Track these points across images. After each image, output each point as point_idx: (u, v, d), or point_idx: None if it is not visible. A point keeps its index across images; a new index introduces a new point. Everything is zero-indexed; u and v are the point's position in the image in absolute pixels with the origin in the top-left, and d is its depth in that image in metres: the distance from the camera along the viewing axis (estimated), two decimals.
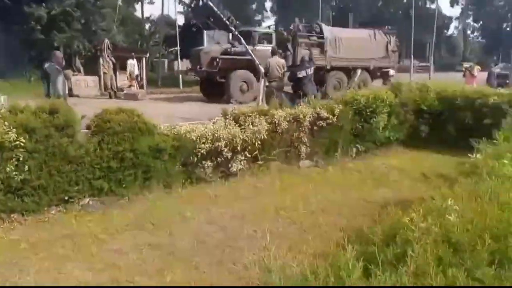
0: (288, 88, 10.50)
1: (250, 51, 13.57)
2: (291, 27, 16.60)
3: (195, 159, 5.82)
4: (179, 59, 23.98)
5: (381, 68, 17.34)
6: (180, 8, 32.11)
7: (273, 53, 10.17)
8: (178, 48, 23.78)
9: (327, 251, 3.07)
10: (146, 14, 32.03)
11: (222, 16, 13.82)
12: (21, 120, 4.51)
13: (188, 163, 5.82)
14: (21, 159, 4.46)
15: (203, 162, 5.87)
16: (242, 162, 6.13)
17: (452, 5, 66.19)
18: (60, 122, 4.75)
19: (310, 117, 6.79)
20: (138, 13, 29.96)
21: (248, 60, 13.66)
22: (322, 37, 15.79)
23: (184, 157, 5.74)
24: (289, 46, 15.39)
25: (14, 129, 4.37)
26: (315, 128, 6.93)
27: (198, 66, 14.18)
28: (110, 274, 3.44)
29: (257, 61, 12.47)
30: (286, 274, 1.96)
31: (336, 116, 6.97)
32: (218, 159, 5.97)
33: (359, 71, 15.52)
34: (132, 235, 4.19)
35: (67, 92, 7.03)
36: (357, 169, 6.64)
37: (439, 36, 51.98)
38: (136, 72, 16.44)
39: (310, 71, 9.16)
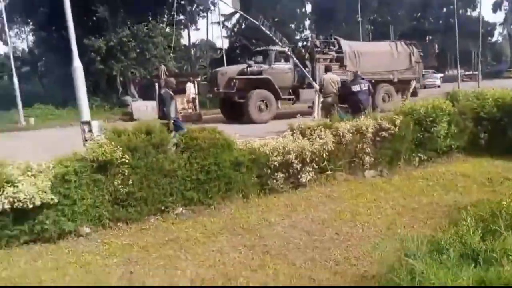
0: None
1: (306, 72, 13.83)
2: (308, 43, 16.37)
3: (269, 171, 6.28)
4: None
5: (405, 80, 16.90)
6: (224, 32, 33.29)
7: (328, 69, 10.58)
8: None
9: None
10: (192, 40, 33.70)
11: (274, 38, 14.28)
12: (124, 141, 5.15)
13: (262, 175, 6.28)
14: (126, 174, 5.09)
15: (276, 173, 6.31)
16: (310, 173, 6.53)
17: (494, 11, 64.32)
18: (156, 141, 5.37)
19: (372, 128, 7.11)
20: (184, 40, 31.50)
21: (266, 79, 13.79)
22: (341, 52, 15.64)
23: (259, 169, 6.21)
24: (307, 62, 15.20)
25: (120, 148, 5.01)
26: (377, 138, 7.23)
27: (216, 88, 14.13)
28: (219, 270, 3.92)
29: (311, 79, 12.81)
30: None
31: (397, 127, 7.26)
32: (290, 170, 6.41)
33: (413, 83, 15.44)
34: (227, 238, 4.68)
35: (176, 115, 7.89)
36: (422, 176, 6.86)
37: (483, 43, 50.65)
38: (193, 95, 17.22)
39: (364, 86, 9.48)
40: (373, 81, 15.25)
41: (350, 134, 6.89)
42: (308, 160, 6.44)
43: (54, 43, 23.45)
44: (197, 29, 33.86)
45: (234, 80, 13.70)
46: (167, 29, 24.26)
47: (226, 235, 4.76)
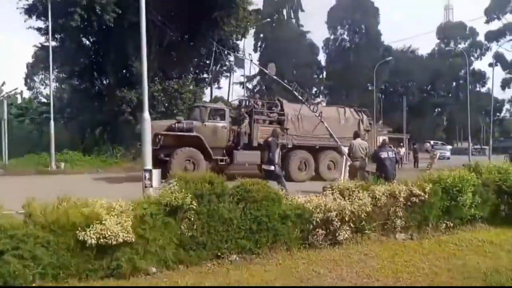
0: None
1: (333, 134, 14.02)
2: (250, 103, 16.18)
3: (311, 226, 6.81)
4: None
5: None
6: (243, 92, 34.87)
7: (356, 135, 11.37)
8: None
9: None
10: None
11: (296, 93, 15.16)
12: (192, 188, 5.77)
13: (305, 230, 6.81)
14: (191, 219, 5.66)
15: (316, 229, 6.84)
16: (347, 232, 7.05)
17: (503, 88, 66.67)
18: (218, 191, 5.98)
19: (404, 193, 7.70)
20: (206, 97, 33.11)
21: (195, 137, 13.27)
22: (283, 114, 15.42)
23: (302, 224, 6.74)
24: (246, 122, 14.94)
25: (189, 195, 5.63)
26: (408, 203, 7.79)
27: (139, 143, 12.97)
28: None
29: (339, 142, 13.51)
30: None
31: (427, 194, 7.84)
32: (329, 227, 6.93)
33: (438, 153, 15.94)
34: (282, 285, 5.14)
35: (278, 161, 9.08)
36: (451, 242, 7.33)
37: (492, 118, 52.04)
38: None
39: (392, 154, 10.19)
40: (317, 147, 15.68)
41: (385, 197, 7.47)
42: (346, 219, 6.98)
43: (86, 91, 24.85)
44: (219, 88, 35.54)
45: (159, 136, 13.11)
46: (191, 87, 25.59)
47: (282, 282, 5.22)
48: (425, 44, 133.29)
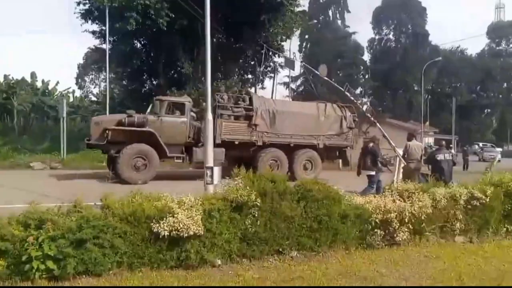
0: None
1: (387, 137, 13.55)
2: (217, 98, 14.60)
3: (369, 227, 6.83)
4: None
5: (335, 147, 15.62)
6: (287, 92, 34.92)
7: (411, 136, 11.20)
8: None
9: None
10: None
11: (349, 94, 14.93)
12: (257, 186, 5.95)
13: (363, 230, 6.84)
14: (255, 215, 5.84)
15: (375, 230, 6.85)
16: (406, 233, 7.01)
17: None
18: (280, 189, 6.13)
19: (465, 196, 7.56)
20: None
21: (148, 132, 12.36)
22: (251, 109, 14.24)
23: (361, 224, 6.78)
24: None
25: (254, 192, 5.81)
26: (469, 206, 7.64)
27: (87, 138, 12.94)
28: None
29: (393, 144, 13.21)
30: None
31: (488, 197, 7.66)
32: (388, 228, 6.92)
33: (498, 156, 15.30)
34: (348, 283, 5.22)
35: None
36: None
37: None
38: None
39: (449, 156, 9.99)
40: (291, 145, 14.41)
41: (445, 200, 7.37)
42: (406, 220, 6.94)
43: (137, 92, 25.77)
44: (263, 88, 35.78)
45: (107, 131, 12.27)
46: (236, 88, 25.92)
47: (346, 280, 5.30)
48: (474, 44, 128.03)
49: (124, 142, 12.45)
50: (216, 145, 12.91)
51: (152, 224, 5.17)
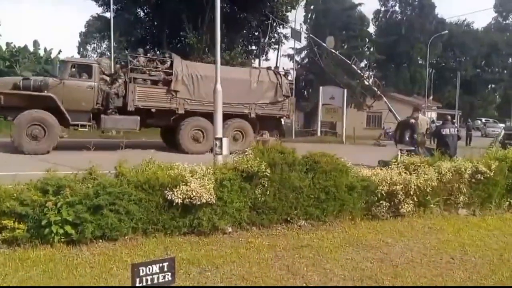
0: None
1: (393, 111, 14.07)
2: (130, 60, 13.76)
3: (375, 198, 6.98)
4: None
5: (268, 117, 14.74)
6: (291, 65, 34.58)
7: (416, 109, 11.23)
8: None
9: None
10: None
11: (355, 67, 14.67)
12: (266, 157, 6.06)
13: (369, 201, 6.99)
14: (265, 185, 5.98)
15: (381, 201, 7.00)
16: (410, 205, 7.16)
17: None
18: (289, 160, 6.24)
19: (470, 170, 7.67)
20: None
21: (48, 97, 11.38)
22: (171, 73, 13.26)
23: (367, 196, 6.92)
24: (120, 82, 12.83)
25: (264, 163, 5.92)
26: (473, 180, 7.77)
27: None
28: (363, 273, 4.64)
29: (398, 118, 13.22)
30: None
31: (492, 171, 7.77)
32: (394, 200, 7.07)
33: (502, 131, 15.21)
34: (355, 251, 5.39)
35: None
36: None
37: None
38: None
39: (454, 130, 10.07)
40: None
41: (450, 174, 7.49)
42: (411, 193, 7.08)
43: None
44: (267, 60, 35.57)
45: (0, 96, 11.35)
46: (239, 59, 25.79)
47: (353, 248, 5.47)
48: (481, 18, 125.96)
49: (22, 108, 11.50)
50: (129, 113, 12.71)
51: (166, 192, 5.30)
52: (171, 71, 13.35)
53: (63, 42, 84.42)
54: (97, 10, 24.54)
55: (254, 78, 14.36)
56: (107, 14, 24.08)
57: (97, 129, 13.08)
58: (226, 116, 12.50)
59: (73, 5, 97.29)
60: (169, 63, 13.75)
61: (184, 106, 13.43)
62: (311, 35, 21.19)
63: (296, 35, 22.38)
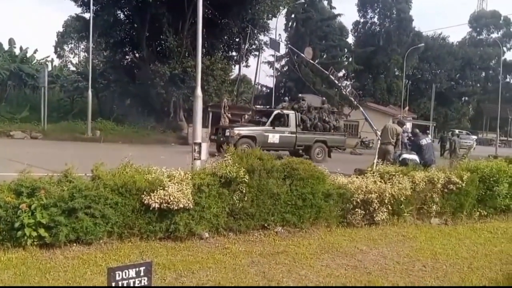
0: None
1: (372, 125, 13.85)
2: None
3: (351, 206, 7.09)
4: None
5: None
6: (271, 72, 34.81)
7: (400, 123, 11.55)
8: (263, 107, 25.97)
9: None
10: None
11: (333, 77, 15.16)
12: (244, 163, 6.09)
13: (345, 209, 7.09)
14: (243, 191, 6.00)
15: (356, 209, 7.11)
16: (384, 213, 7.30)
17: None
18: (268, 167, 6.28)
19: (442, 180, 7.88)
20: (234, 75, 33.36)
21: None
22: None
23: (343, 203, 7.02)
24: None
25: (243, 169, 5.95)
26: (445, 190, 7.98)
27: None
28: (337, 280, 4.70)
29: (374, 128, 13.41)
30: None
31: (464, 182, 8.00)
32: (369, 208, 7.19)
33: (473, 144, 15.88)
34: (330, 257, 5.46)
35: None
36: (486, 229, 7.53)
37: None
38: None
39: (429, 140, 10.36)
40: None
41: (424, 183, 7.67)
42: (386, 201, 7.22)
43: (119, 63, 25.31)
44: (247, 66, 35.65)
45: None
46: (219, 64, 25.79)
47: (328, 255, 5.54)
48: (456, 31, 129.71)
49: None
50: None
51: (143, 196, 5.26)
52: None
53: (40, 42, 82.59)
54: (76, 10, 24.15)
55: None
56: (86, 15, 23.70)
57: None
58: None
59: (51, 5, 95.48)
60: None
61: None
62: (289, 45, 21.36)
63: (274, 45, 22.57)
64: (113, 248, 5.10)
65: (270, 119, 16.29)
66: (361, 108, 14.65)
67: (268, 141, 15.92)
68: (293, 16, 35.64)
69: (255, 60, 36.04)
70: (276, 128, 16.25)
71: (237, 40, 29.61)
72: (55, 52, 59.76)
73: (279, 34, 30.22)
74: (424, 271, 5.28)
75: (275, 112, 16.84)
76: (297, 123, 16.53)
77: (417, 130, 11.43)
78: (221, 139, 15.83)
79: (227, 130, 15.61)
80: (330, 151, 17.24)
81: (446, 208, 8.00)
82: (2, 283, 3.94)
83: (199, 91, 8.36)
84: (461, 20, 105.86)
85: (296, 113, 16.53)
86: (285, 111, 16.60)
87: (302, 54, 16.24)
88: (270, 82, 37.09)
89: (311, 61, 16.81)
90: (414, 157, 10.05)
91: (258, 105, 32.02)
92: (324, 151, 16.94)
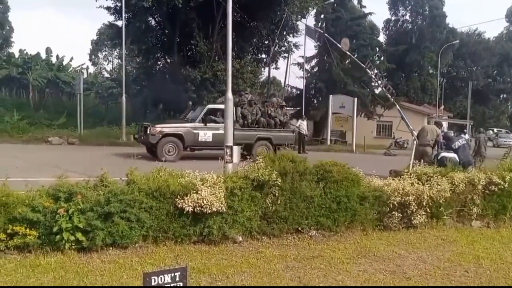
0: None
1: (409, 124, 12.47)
2: None
3: (387, 209, 6.89)
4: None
5: None
6: (301, 73, 34.46)
7: (429, 122, 11.18)
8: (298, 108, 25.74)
9: None
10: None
11: (369, 71, 14.58)
12: (277, 166, 6.02)
13: (381, 212, 6.90)
14: (276, 194, 5.93)
15: (393, 212, 6.91)
16: (423, 216, 7.06)
17: None
18: (300, 169, 6.19)
19: (483, 181, 7.55)
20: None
21: None
22: None
23: (379, 206, 6.84)
24: None
25: (275, 172, 5.88)
26: (487, 192, 7.65)
27: None
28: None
29: (411, 127, 12.76)
30: None
31: (507, 183, 7.64)
32: (406, 211, 6.97)
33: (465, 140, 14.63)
34: (367, 262, 5.30)
35: None
36: None
37: None
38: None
39: (463, 141, 10.05)
40: None
41: (464, 185, 7.38)
42: (424, 203, 6.98)
43: (151, 69, 25.79)
44: (277, 68, 35.57)
45: None
46: (249, 67, 25.85)
47: (365, 260, 5.39)
48: (493, 27, 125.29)
49: None
50: None
51: (176, 199, 5.29)
52: None
53: (75, 50, 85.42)
54: (109, 18, 24.88)
55: None
56: (119, 22, 24.29)
57: None
58: None
59: (86, 13, 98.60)
60: None
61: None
62: (326, 35, 21.01)
63: (310, 33, 22.27)
64: (149, 252, 5.14)
65: (201, 114, 14.64)
66: (397, 106, 14.08)
67: (199, 140, 14.38)
68: (322, 16, 35.25)
69: (284, 62, 35.92)
70: (208, 124, 14.50)
71: (266, 42, 29.62)
72: (90, 59, 61.77)
73: (314, 24, 30.02)
74: (466, 276, 5.05)
75: (207, 106, 15.34)
76: (236, 118, 14.60)
77: (450, 134, 11.04)
78: (142, 137, 14.57)
79: (148, 128, 14.09)
80: (276, 149, 15.18)
81: (487, 210, 7.66)
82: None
83: (230, 94, 8.35)
84: (497, 15, 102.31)
85: (235, 108, 14.24)
86: (219, 106, 14.72)
87: (338, 45, 15.80)
88: (300, 84, 36.82)
89: (347, 52, 16.35)
90: (453, 155, 9.70)
91: (288, 107, 31.81)
92: (268, 150, 14.92)
